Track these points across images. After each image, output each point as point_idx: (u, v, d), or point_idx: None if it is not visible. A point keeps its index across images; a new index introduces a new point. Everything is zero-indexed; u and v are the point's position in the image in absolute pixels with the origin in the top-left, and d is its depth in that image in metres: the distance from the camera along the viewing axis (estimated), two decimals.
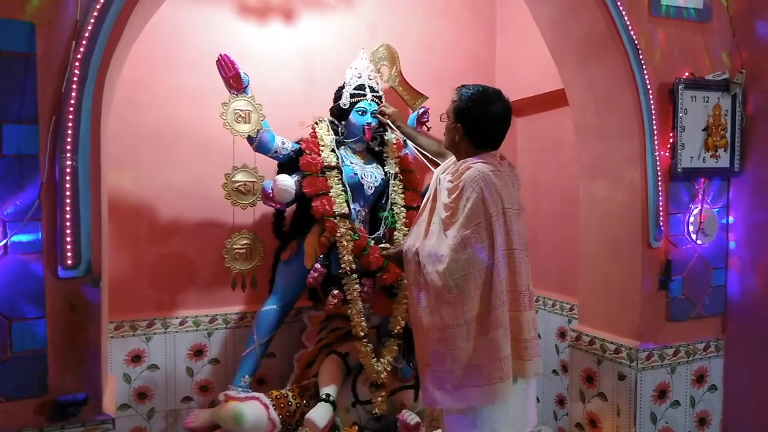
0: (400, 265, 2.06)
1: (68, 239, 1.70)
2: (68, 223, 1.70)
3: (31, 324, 1.69)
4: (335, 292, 2.56)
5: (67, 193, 1.70)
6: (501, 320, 1.76)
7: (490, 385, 1.75)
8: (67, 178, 1.70)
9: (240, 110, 2.47)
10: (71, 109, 1.70)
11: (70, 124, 1.70)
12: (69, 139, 1.70)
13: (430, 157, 2.54)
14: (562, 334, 3.07)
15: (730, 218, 2.59)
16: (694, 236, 2.51)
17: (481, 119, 1.92)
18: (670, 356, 2.46)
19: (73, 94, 1.70)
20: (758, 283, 2.50)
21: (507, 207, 1.81)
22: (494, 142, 1.96)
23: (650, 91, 2.38)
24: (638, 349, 2.38)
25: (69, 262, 1.71)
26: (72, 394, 1.73)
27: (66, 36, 1.71)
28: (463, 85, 1.98)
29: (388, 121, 2.72)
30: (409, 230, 2.71)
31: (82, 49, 1.71)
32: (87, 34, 1.71)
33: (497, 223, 1.78)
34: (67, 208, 1.70)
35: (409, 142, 2.89)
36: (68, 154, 1.69)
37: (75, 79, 1.70)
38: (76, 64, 1.70)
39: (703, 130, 2.49)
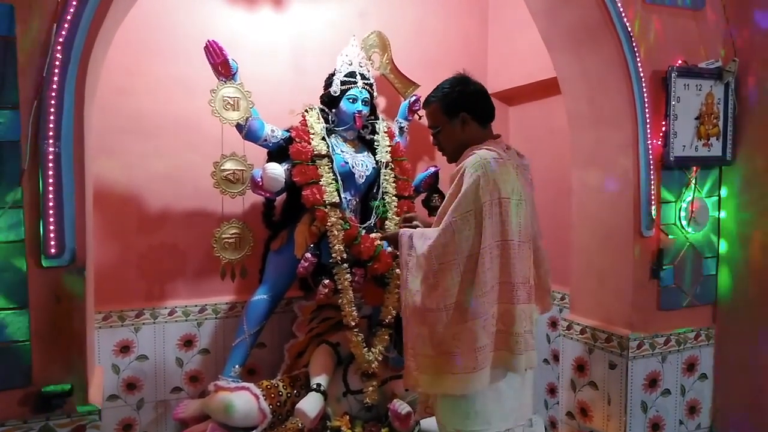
0: (396, 246, 2.02)
1: (51, 228, 1.66)
2: (51, 211, 1.66)
3: (14, 314, 1.65)
4: (326, 281, 2.54)
5: (50, 180, 1.66)
6: (480, 311, 1.73)
7: (464, 373, 1.72)
8: (50, 164, 1.65)
9: (228, 97, 2.43)
10: (53, 94, 1.65)
11: (52, 110, 1.65)
12: (51, 125, 1.65)
13: None
14: (553, 324, 3.08)
15: (722, 207, 2.59)
16: (685, 225, 2.50)
17: (476, 92, 1.91)
18: (660, 345, 2.47)
19: (55, 78, 1.65)
20: (749, 273, 2.51)
21: (504, 197, 1.76)
22: (493, 113, 1.95)
23: (643, 80, 2.37)
24: (629, 338, 2.38)
25: (52, 251, 1.67)
26: (57, 385, 1.69)
27: (47, 18, 1.66)
28: (434, 90, 1.94)
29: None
30: (399, 219, 2.71)
31: (64, 32, 1.66)
32: (69, 17, 1.66)
33: (489, 213, 1.74)
34: (50, 196, 1.66)
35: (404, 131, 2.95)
36: (50, 140, 1.65)
37: (57, 63, 1.65)
38: (58, 47, 1.65)
39: (696, 118, 2.48)
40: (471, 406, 1.78)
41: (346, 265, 2.54)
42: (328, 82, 2.74)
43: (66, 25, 1.66)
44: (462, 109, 1.89)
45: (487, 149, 1.82)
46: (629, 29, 2.33)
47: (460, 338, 1.73)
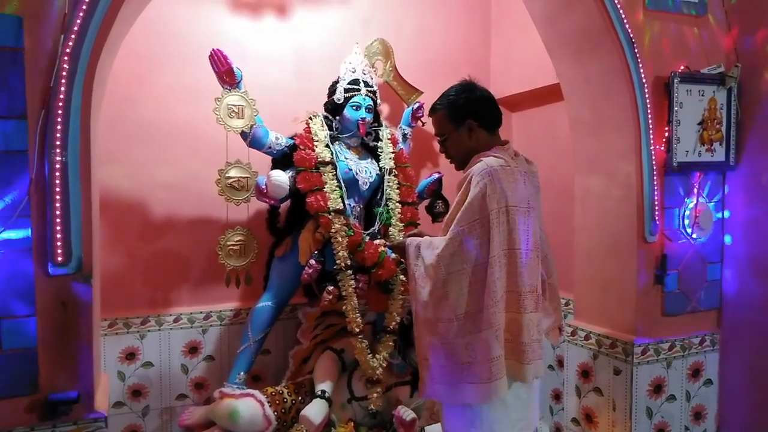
0: (403, 256, 2.01)
1: (58, 236, 1.68)
2: (58, 220, 1.68)
3: (22, 321, 1.67)
4: (330, 288, 2.55)
5: (57, 189, 1.67)
6: (492, 320, 1.71)
7: (482, 384, 1.71)
8: (57, 174, 1.67)
9: (233, 105, 2.45)
10: (60, 104, 1.67)
11: (59, 120, 1.67)
12: (58, 135, 1.67)
13: None
14: (557, 329, 3.06)
15: (726, 212, 2.59)
16: (689, 230, 2.50)
17: (483, 99, 1.90)
18: (665, 351, 2.46)
19: (62, 88, 1.67)
20: (753, 277, 2.50)
21: (511, 205, 1.75)
22: (500, 119, 1.93)
23: (645, 85, 2.37)
24: (634, 344, 2.38)
25: (59, 259, 1.68)
26: (63, 392, 1.71)
27: (54, 29, 1.68)
28: (440, 97, 1.93)
29: None
30: (404, 226, 2.72)
31: (71, 43, 1.68)
32: (76, 28, 1.68)
33: (496, 221, 1.72)
34: (57, 205, 1.67)
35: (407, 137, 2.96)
36: (57, 150, 1.67)
37: (64, 73, 1.67)
38: (65, 58, 1.68)
39: (699, 124, 2.49)
40: (477, 414, 1.76)
41: (350, 271, 2.54)
42: (332, 90, 2.75)
43: (73, 36, 1.69)
44: (468, 116, 1.87)
45: (494, 156, 1.80)
46: (631, 35, 2.34)
47: (474, 348, 1.72)
